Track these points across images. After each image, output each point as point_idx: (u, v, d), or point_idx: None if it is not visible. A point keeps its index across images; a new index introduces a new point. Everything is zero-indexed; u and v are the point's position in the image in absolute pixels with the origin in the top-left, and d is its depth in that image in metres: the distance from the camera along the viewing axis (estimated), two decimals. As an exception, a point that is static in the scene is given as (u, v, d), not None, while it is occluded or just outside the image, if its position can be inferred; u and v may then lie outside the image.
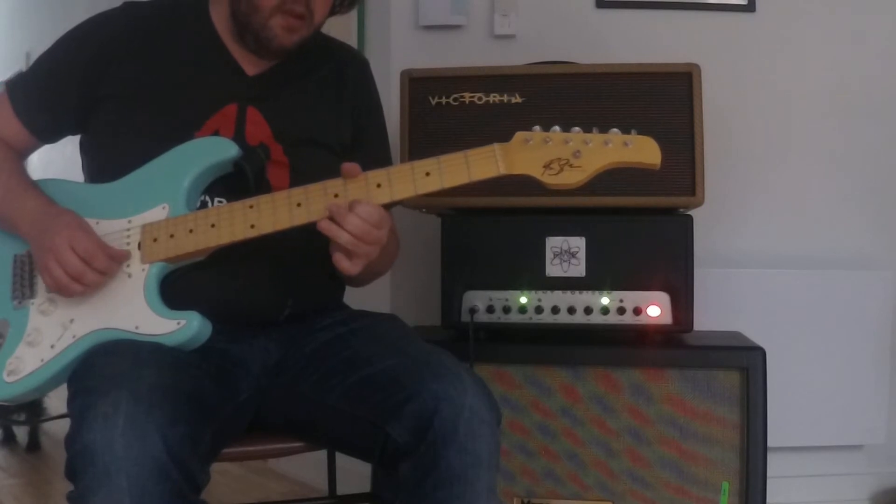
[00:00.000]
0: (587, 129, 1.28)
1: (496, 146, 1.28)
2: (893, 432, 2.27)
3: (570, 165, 1.26)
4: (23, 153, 1.50)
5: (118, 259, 1.31)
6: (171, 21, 1.47)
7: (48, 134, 1.49)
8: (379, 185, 1.29)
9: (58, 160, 1.61)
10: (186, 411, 1.16)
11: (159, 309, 1.29)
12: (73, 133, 1.50)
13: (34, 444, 3.08)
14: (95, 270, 1.28)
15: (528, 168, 1.27)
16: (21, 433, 3.14)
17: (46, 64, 1.47)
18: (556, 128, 1.28)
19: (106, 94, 1.42)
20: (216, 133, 1.41)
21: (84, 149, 1.50)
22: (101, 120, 1.44)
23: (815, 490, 2.28)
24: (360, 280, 1.50)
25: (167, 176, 1.36)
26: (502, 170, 1.27)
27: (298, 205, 1.29)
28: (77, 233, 1.29)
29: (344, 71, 1.56)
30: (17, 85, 1.48)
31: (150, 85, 1.42)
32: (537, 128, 1.28)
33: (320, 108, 1.52)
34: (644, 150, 1.27)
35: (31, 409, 2.98)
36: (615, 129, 1.28)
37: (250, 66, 1.47)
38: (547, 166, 1.26)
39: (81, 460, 1.10)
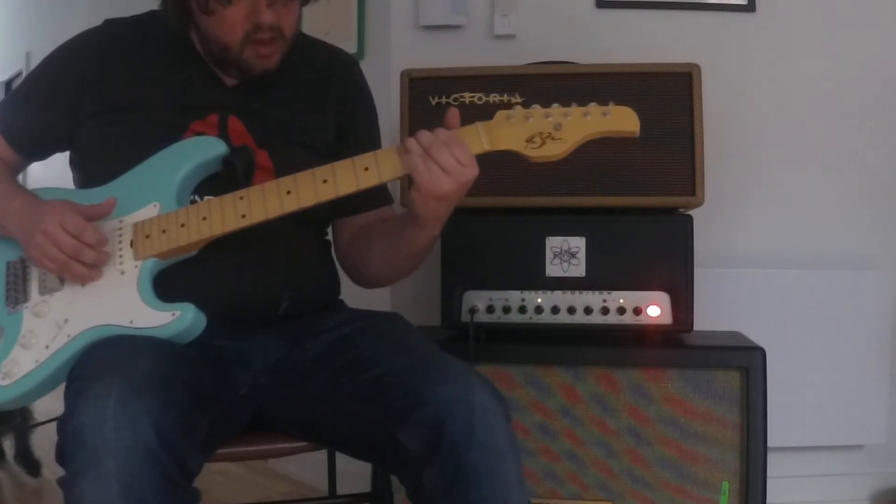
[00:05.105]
0: None
1: (479, 124, 1.30)
2: (893, 432, 2.27)
3: (552, 138, 1.28)
4: (14, 170, 1.52)
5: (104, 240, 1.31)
6: (151, 37, 1.48)
7: (33, 153, 1.52)
8: (367, 169, 1.31)
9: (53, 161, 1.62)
10: (181, 399, 1.15)
11: (153, 302, 1.29)
12: (60, 151, 1.52)
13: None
14: (89, 247, 1.29)
15: (511, 143, 1.29)
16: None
17: (30, 86, 1.50)
18: (536, 105, 1.30)
19: (89, 111, 1.44)
20: None
21: (73, 163, 1.51)
22: (86, 136, 1.45)
23: (815, 490, 2.28)
24: (385, 272, 1.52)
25: (157, 176, 1.37)
26: (486, 146, 1.29)
27: (288, 192, 1.31)
28: (65, 211, 1.30)
29: (327, 72, 1.56)
30: (5, 105, 1.53)
31: (133, 100, 1.43)
32: (518, 107, 1.30)
33: (303, 111, 1.52)
34: (622, 119, 1.29)
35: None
36: (593, 103, 1.29)
37: (229, 77, 1.47)
38: (529, 140, 1.28)
39: (72, 443, 1.10)
